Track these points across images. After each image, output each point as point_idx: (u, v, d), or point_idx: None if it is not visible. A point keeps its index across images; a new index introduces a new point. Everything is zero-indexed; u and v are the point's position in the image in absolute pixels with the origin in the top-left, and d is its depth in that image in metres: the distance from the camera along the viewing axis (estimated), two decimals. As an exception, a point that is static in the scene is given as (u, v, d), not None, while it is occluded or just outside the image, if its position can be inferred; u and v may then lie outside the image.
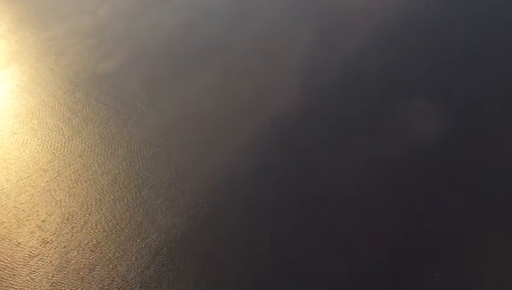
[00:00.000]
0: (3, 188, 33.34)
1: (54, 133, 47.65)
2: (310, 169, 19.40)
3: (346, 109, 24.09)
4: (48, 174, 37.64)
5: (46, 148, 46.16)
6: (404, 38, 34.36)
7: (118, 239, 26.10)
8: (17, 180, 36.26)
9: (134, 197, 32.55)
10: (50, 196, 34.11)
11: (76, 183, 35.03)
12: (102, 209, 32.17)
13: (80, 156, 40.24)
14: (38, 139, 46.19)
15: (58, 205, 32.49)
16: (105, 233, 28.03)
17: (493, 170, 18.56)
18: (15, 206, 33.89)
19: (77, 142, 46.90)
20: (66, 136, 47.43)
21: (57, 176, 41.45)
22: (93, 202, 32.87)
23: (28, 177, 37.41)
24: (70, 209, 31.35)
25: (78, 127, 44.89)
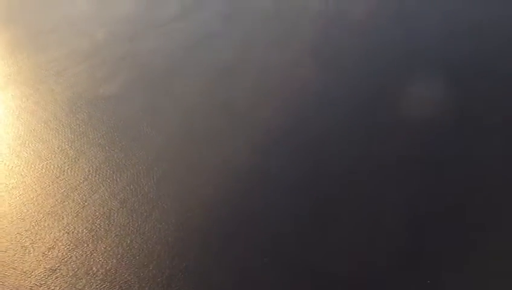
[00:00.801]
0: (6, 213, 31.52)
1: (58, 155, 45.84)
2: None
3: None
4: (53, 198, 35.92)
5: (51, 170, 44.03)
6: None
7: (129, 266, 24.48)
8: (21, 205, 34.50)
9: (144, 221, 31.07)
10: (56, 221, 32.31)
11: (83, 208, 33.37)
12: (111, 235, 30.53)
13: (85, 179, 38.69)
14: (42, 161, 44.44)
15: (65, 231, 30.81)
16: (115, 260, 26.35)
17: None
18: (19, 233, 31.96)
19: (82, 165, 45.09)
20: (71, 158, 45.37)
21: (63, 199, 39.59)
22: (102, 227, 31.24)
23: (32, 201, 35.65)
24: (77, 235, 29.74)
25: (82, 149, 43.45)
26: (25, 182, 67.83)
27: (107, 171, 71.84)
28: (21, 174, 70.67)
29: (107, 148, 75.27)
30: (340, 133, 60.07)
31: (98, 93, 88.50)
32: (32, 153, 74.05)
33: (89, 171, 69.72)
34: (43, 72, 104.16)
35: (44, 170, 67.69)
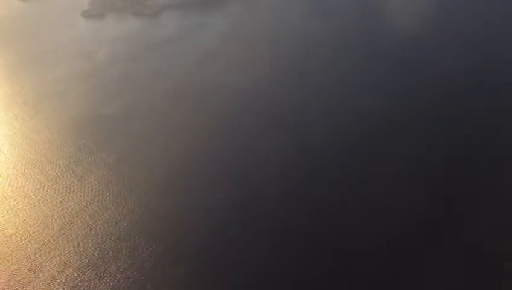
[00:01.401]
0: (13, 235, 31.07)
1: (65, 174, 46.42)
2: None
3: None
4: (61, 219, 36.01)
5: (58, 190, 44.38)
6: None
7: (142, 288, 25.01)
8: (28, 227, 34.29)
9: (155, 245, 31.23)
10: (65, 243, 32.10)
11: (91, 230, 33.52)
12: (122, 256, 30.45)
13: (94, 199, 38.91)
14: (49, 181, 44.85)
15: (74, 253, 30.61)
16: (126, 284, 26.47)
17: None
18: (27, 256, 31.64)
19: (91, 184, 45.81)
20: (79, 177, 45.95)
21: (72, 220, 39.90)
22: (112, 248, 31.14)
23: (40, 223, 35.65)
24: (87, 256, 29.65)
25: (90, 168, 44.36)
26: (32, 203, 66.29)
27: (115, 190, 68.52)
28: (28, 195, 69.42)
29: (114, 167, 75.38)
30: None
31: (101, 113, 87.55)
32: (38, 172, 72.71)
33: (97, 190, 68.18)
34: (45, 92, 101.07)
35: (51, 190, 66.56)
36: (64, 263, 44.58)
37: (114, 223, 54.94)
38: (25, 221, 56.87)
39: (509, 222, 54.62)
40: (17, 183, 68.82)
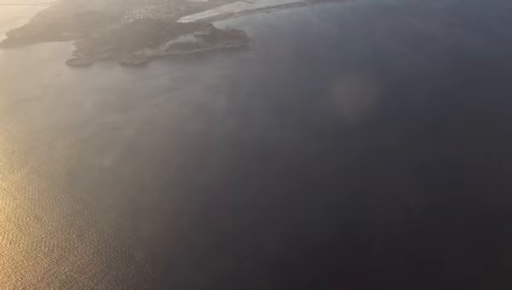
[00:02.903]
0: None
1: (66, 229, 47.94)
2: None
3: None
4: (58, 280, 39.66)
5: (56, 250, 46.31)
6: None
7: None
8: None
9: None
10: None
11: None
12: None
13: (94, 257, 41.62)
14: (47, 233, 47.22)
15: None
16: None
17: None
18: None
19: (91, 239, 48.07)
20: (77, 231, 47.89)
21: (70, 281, 42.90)
22: None
23: (38, 282, 38.45)
24: None
25: (84, 229, 46.51)
26: (27, 256, 62.12)
27: (112, 255, 63.59)
28: (24, 250, 63.74)
29: (111, 229, 69.48)
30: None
31: (94, 165, 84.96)
32: (34, 225, 69.34)
33: (97, 247, 63.46)
34: (33, 142, 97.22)
35: (48, 247, 64.28)
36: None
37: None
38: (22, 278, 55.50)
39: None
40: (15, 238, 66.71)
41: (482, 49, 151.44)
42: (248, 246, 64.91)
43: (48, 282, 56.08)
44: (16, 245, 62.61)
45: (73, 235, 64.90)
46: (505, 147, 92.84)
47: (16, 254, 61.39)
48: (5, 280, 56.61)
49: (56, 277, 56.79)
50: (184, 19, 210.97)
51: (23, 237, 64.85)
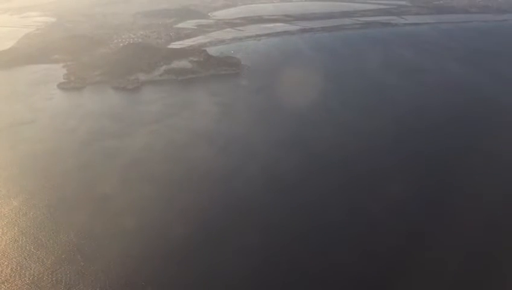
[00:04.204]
0: None
1: (64, 265, 46.04)
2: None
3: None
4: None
5: (57, 281, 44.85)
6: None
7: None
8: None
9: None
10: None
11: None
12: None
13: None
14: (47, 270, 45.74)
15: None
16: None
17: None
18: None
19: (97, 273, 46.52)
20: (78, 267, 46.84)
21: None
22: None
23: None
24: None
25: (95, 255, 45.56)
26: None
27: (121, 274, 61.78)
28: (21, 288, 60.28)
29: (116, 259, 66.63)
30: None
31: (93, 196, 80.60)
32: (31, 262, 64.88)
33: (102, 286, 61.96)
34: (28, 168, 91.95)
35: (48, 283, 60.57)
36: None
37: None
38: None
39: None
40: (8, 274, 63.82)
41: (473, 80, 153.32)
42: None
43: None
44: (21, 273, 59.91)
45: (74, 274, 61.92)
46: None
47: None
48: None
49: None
50: (175, 45, 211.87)
51: (30, 266, 62.97)
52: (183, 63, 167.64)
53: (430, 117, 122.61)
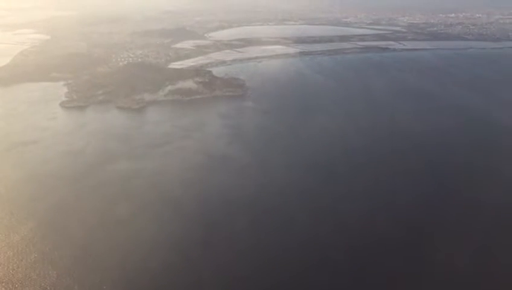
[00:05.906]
0: None
1: None
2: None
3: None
4: None
5: None
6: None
7: None
8: None
9: None
10: None
11: None
12: None
13: None
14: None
15: None
16: None
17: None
18: None
19: None
20: None
21: None
22: None
23: None
24: None
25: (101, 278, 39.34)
26: None
27: None
28: None
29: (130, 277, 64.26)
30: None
31: (105, 222, 75.82)
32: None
33: None
34: (33, 193, 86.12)
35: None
36: None
37: None
38: None
39: None
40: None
41: (476, 104, 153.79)
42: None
43: None
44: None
45: None
46: None
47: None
48: None
49: None
50: (175, 65, 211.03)
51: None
52: (189, 84, 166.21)
53: (453, 144, 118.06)
